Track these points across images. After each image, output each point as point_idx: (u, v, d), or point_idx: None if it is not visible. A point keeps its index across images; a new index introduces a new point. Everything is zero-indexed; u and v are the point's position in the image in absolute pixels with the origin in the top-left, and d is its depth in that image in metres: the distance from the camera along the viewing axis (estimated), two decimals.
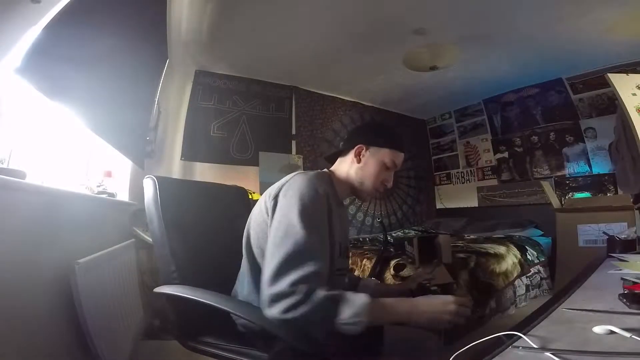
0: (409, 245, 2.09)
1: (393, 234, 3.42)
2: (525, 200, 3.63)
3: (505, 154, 3.90)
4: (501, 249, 2.43)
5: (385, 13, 2.27)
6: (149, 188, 0.94)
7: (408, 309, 0.73)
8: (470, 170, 4.23)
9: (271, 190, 0.85)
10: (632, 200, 2.45)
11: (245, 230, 0.89)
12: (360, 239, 3.12)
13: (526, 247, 2.68)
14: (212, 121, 3.00)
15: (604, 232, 1.56)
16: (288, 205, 0.77)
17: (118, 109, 1.68)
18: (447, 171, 4.48)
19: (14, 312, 0.88)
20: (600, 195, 3.08)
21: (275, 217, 0.77)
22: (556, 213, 2.78)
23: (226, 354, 0.83)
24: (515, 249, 2.55)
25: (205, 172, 2.88)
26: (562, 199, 3.23)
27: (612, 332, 0.51)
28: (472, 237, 3.18)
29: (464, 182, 4.30)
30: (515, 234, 3.08)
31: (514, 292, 2.34)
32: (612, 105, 2.89)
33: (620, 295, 0.69)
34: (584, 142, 3.25)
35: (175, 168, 2.76)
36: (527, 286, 2.47)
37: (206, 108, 2.99)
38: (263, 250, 0.82)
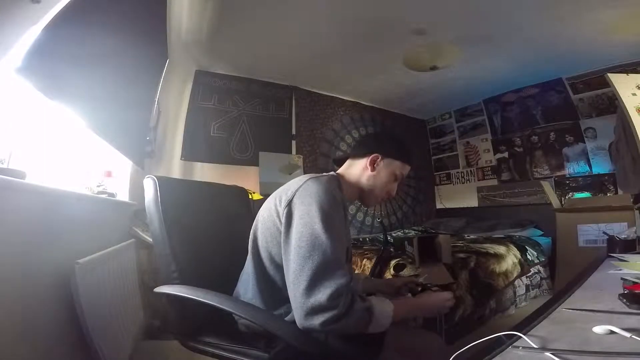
0: (409, 245, 2.09)
1: (393, 234, 3.42)
2: (525, 200, 3.63)
3: (505, 154, 3.90)
4: (501, 249, 2.43)
5: (385, 13, 2.26)
6: (149, 188, 0.94)
7: (418, 307, 0.88)
8: (470, 170, 4.23)
9: (282, 195, 0.83)
10: (632, 200, 2.45)
11: (251, 232, 0.89)
12: (360, 239, 3.12)
13: (526, 247, 2.68)
14: (212, 121, 3.00)
15: (604, 232, 1.56)
16: (309, 214, 0.76)
17: (118, 108, 1.68)
18: (447, 171, 4.48)
19: (14, 312, 0.88)
20: (600, 195, 3.08)
21: (294, 225, 0.76)
22: (556, 213, 2.78)
23: (226, 354, 0.83)
24: (515, 249, 2.55)
25: (205, 172, 2.88)
26: (562, 199, 3.23)
27: (612, 332, 0.51)
28: (472, 237, 3.18)
29: (464, 182, 4.30)
30: (515, 234, 3.08)
31: (514, 292, 2.34)
32: (612, 105, 2.89)
33: (620, 295, 0.69)
34: (584, 142, 3.25)
35: (175, 168, 2.76)
36: (527, 286, 2.47)
37: (206, 108, 2.99)
38: (271, 253, 0.83)
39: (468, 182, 4.25)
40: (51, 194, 1.13)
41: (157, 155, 2.55)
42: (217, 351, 0.84)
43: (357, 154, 0.98)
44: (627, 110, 2.18)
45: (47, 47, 1.11)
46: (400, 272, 1.87)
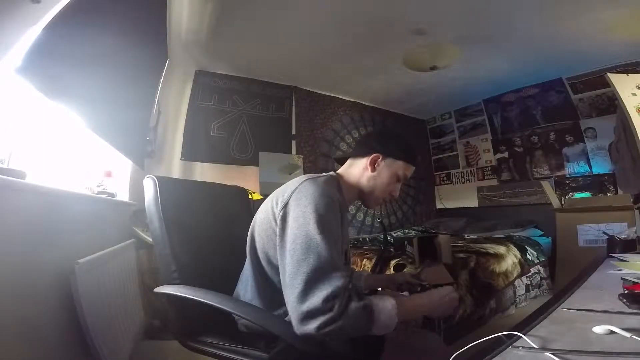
0: (409, 245, 2.09)
1: (393, 234, 3.42)
2: (525, 200, 3.63)
3: (505, 154, 3.90)
4: (501, 249, 2.43)
5: (385, 13, 2.27)
6: (149, 188, 0.94)
7: (425, 305, 0.82)
8: (470, 170, 4.23)
9: (278, 196, 0.82)
10: (632, 200, 2.45)
11: (249, 233, 0.88)
12: (360, 239, 3.12)
13: (526, 247, 2.68)
14: (212, 121, 3.00)
15: (604, 232, 1.56)
16: (304, 216, 0.74)
17: (118, 108, 1.68)
18: (447, 171, 4.48)
19: (14, 312, 0.88)
20: (600, 195, 3.08)
21: (289, 228, 0.74)
22: (556, 213, 2.78)
23: (226, 354, 0.83)
24: (515, 249, 2.55)
25: (205, 172, 2.88)
26: (562, 199, 3.23)
27: (612, 332, 0.51)
28: (472, 237, 3.19)
29: (464, 182, 4.30)
30: (515, 234, 3.08)
31: (514, 292, 2.34)
32: (612, 105, 2.89)
33: (620, 295, 0.69)
34: (584, 142, 3.26)
35: (175, 168, 2.76)
36: (527, 286, 2.47)
37: (206, 108, 2.99)
38: (268, 255, 0.82)
39: (468, 182, 4.25)
40: (51, 194, 1.13)
41: (157, 155, 2.55)
42: (217, 351, 0.84)
43: (358, 153, 0.96)
44: (627, 110, 2.18)
45: (47, 47, 1.11)
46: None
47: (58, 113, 1.46)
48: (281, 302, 0.82)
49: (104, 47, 1.42)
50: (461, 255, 2.18)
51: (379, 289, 1.17)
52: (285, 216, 0.76)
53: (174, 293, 0.82)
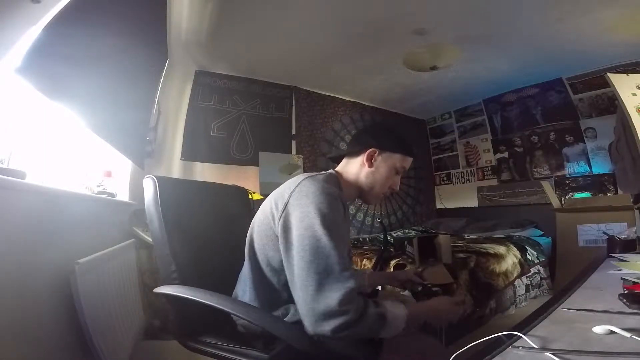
0: (409, 245, 2.09)
1: (393, 234, 3.42)
2: (525, 200, 3.63)
3: (505, 154, 3.90)
4: (501, 249, 2.43)
5: (385, 13, 2.26)
6: (149, 188, 0.94)
7: (431, 313, 0.86)
8: (470, 170, 4.23)
9: (277, 197, 0.81)
10: (632, 200, 2.45)
11: (248, 235, 0.88)
12: (360, 239, 3.12)
13: (526, 247, 2.68)
14: (212, 121, 3.00)
15: (604, 232, 1.56)
16: (308, 216, 0.73)
17: (118, 109, 1.68)
18: (447, 171, 4.48)
19: (14, 312, 0.88)
20: (600, 195, 3.08)
21: (293, 229, 0.74)
22: (556, 213, 2.78)
23: (226, 354, 0.83)
24: (515, 249, 2.55)
25: (205, 172, 2.88)
26: (562, 199, 3.23)
27: (612, 332, 0.51)
28: (472, 237, 3.19)
29: (464, 182, 4.30)
30: (515, 234, 3.08)
31: (514, 292, 2.34)
32: (612, 105, 2.89)
33: (620, 295, 0.69)
34: (584, 142, 3.26)
35: (175, 168, 2.76)
36: (527, 286, 2.47)
37: (206, 108, 2.98)
38: (267, 257, 0.82)
39: (468, 182, 4.25)
40: (51, 194, 1.13)
41: (157, 155, 2.55)
42: (216, 351, 0.84)
43: (353, 150, 0.94)
44: (627, 110, 2.18)
45: (47, 47, 1.11)
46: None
47: (58, 113, 1.46)
48: (279, 303, 0.82)
49: (104, 47, 1.42)
50: (461, 255, 2.18)
51: (380, 287, 1.17)
52: (288, 217, 0.75)
53: (174, 293, 0.82)
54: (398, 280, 1.14)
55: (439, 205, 4.51)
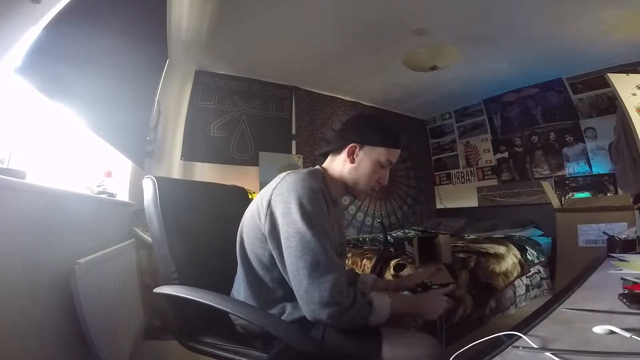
0: (409, 245, 2.09)
1: (393, 234, 3.42)
2: (525, 200, 3.63)
3: (505, 154, 3.90)
4: (501, 249, 2.43)
5: (385, 13, 2.26)
6: (148, 188, 0.94)
7: (415, 305, 0.89)
8: (470, 170, 4.23)
9: (263, 195, 0.82)
10: (632, 200, 2.45)
11: (238, 236, 0.88)
12: (360, 239, 3.12)
13: (526, 247, 2.68)
14: (212, 121, 3.00)
15: (604, 232, 1.56)
16: (290, 212, 0.74)
17: (118, 109, 1.68)
18: (447, 171, 4.48)
19: (14, 312, 0.88)
20: (600, 195, 3.08)
21: (279, 226, 0.75)
22: (556, 213, 2.78)
23: (226, 354, 0.83)
24: (515, 249, 2.55)
25: (205, 172, 2.88)
26: (562, 199, 3.23)
27: (612, 332, 0.51)
28: (472, 237, 3.18)
29: (464, 182, 4.30)
30: (515, 234, 3.08)
31: (514, 292, 2.34)
32: (612, 105, 2.89)
33: (620, 295, 0.69)
34: (584, 142, 3.25)
35: (175, 168, 2.76)
36: (527, 286, 2.47)
37: (206, 108, 2.99)
38: (257, 255, 0.83)
39: (468, 182, 4.25)
40: (51, 194, 1.13)
41: (157, 155, 2.55)
42: (216, 351, 0.84)
43: (336, 146, 0.92)
44: (627, 110, 2.18)
45: (47, 47, 1.11)
46: (400, 272, 1.87)
47: (58, 113, 1.45)
48: (274, 302, 0.82)
49: (104, 47, 1.42)
50: (461, 255, 2.18)
51: None
52: (272, 213, 0.77)
53: (173, 293, 0.82)
54: (405, 288, 1.13)
55: (439, 205, 4.51)
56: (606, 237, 1.35)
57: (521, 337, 0.53)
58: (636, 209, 2.37)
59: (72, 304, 1.09)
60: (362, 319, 0.75)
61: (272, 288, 0.83)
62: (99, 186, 1.80)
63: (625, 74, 2.45)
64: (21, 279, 0.93)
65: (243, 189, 1.32)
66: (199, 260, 0.96)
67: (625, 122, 2.31)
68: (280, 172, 0.89)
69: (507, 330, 0.55)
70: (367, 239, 3.11)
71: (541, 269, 2.69)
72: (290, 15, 2.26)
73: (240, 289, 0.87)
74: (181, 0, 2.08)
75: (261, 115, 3.27)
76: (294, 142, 3.42)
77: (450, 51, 2.66)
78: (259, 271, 0.84)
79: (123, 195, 2.03)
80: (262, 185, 2.97)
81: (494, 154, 3.99)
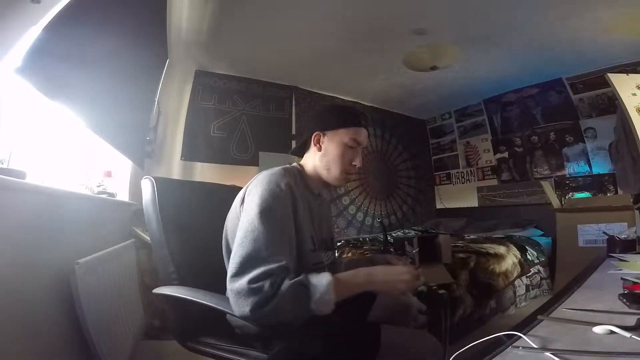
0: (409, 245, 2.09)
1: (393, 234, 3.42)
2: (525, 200, 3.63)
3: (505, 154, 3.90)
4: (501, 249, 2.43)
5: (385, 13, 2.26)
6: (146, 189, 0.94)
7: (366, 278, 0.76)
8: (470, 170, 4.23)
9: (240, 194, 0.85)
10: (632, 200, 2.45)
11: (223, 237, 0.88)
12: (360, 239, 3.12)
13: (526, 247, 2.68)
14: (212, 121, 3.00)
15: (604, 232, 1.56)
16: (250, 204, 0.77)
17: (118, 108, 1.68)
18: (447, 171, 4.48)
19: (14, 312, 0.88)
20: (600, 195, 3.08)
21: (241, 218, 0.78)
22: (556, 213, 2.78)
23: (225, 354, 0.83)
24: (515, 249, 2.55)
25: (205, 172, 2.88)
26: (562, 199, 3.23)
27: (612, 332, 0.51)
28: (472, 237, 3.18)
29: (464, 182, 4.30)
30: (515, 234, 3.08)
31: (514, 292, 2.34)
32: (612, 105, 2.89)
33: (620, 295, 0.69)
34: (584, 142, 3.25)
35: (175, 168, 2.76)
36: (527, 286, 2.47)
37: (206, 108, 2.99)
38: None
39: (468, 182, 4.25)
40: (51, 194, 1.13)
41: (157, 155, 2.55)
42: (216, 352, 0.84)
43: (304, 141, 0.97)
44: (627, 110, 2.18)
45: (47, 47, 1.11)
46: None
47: (58, 113, 1.46)
48: None
49: (104, 47, 1.42)
50: (461, 255, 2.18)
51: None
52: (244, 209, 0.80)
53: (173, 294, 0.82)
54: (375, 264, 1.11)
55: (439, 205, 4.51)
56: (606, 237, 1.35)
57: (521, 337, 0.53)
58: (636, 209, 2.37)
59: (72, 304, 1.09)
60: (300, 304, 0.67)
61: None
62: (99, 186, 1.81)
63: (625, 74, 2.45)
64: (21, 279, 0.93)
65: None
66: (198, 260, 0.95)
67: (625, 122, 2.31)
68: None
69: (507, 330, 0.55)
70: (367, 239, 3.11)
71: (541, 269, 2.69)
72: (290, 15, 2.26)
73: None
74: (181, 0, 2.08)
75: (261, 115, 3.27)
76: (294, 142, 3.42)
77: (450, 51, 2.66)
78: None
79: (123, 195, 2.03)
80: None
81: (494, 154, 3.99)
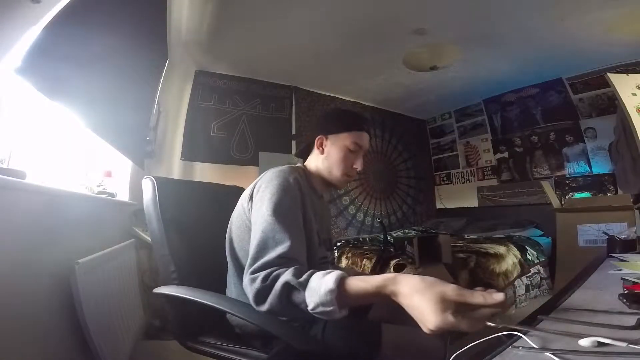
0: (409, 245, 2.09)
1: (393, 234, 3.42)
2: (525, 200, 3.63)
3: (505, 154, 3.90)
4: (501, 249, 2.43)
5: (385, 13, 2.26)
6: (147, 189, 0.94)
7: (381, 287, 0.56)
8: (470, 170, 4.23)
9: (247, 192, 0.87)
10: (632, 200, 2.45)
11: (227, 236, 0.89)
12: (360, 239, 3.12)
13: (526, 247, 2.68)
14: (212, 121, 3.00)
15: (604, 232, 1.56)
16: (261, 200, 0.79)
17: (118, 108, 1.68)
18: (447, 171, 4.48)
19: (14, 312, 0.88)
20: (600, 195, 3.08)
21: (252, 215, 0.80)
22: (556, 213, 2.78)
23: (225, 354, 0.83)
24: (515, 249, 2.55)
25: (205, 172, 2.88)
26: (562, 199, 3.23)
27: (600, 344, 0.48)
28: (472, 237, 3.18)
29: (464, 182, 4.30)
30: (515, 234, 3.08)
31: (514, 292, 2.34)
32: (612, 105, 2.89)
33: (620, 295, 0.69)
34: (584, 142, 3.25)
35: (175, 168, 2.76)
36: (527, 286, 2.47)
37: (206, 108, 2.99)
38: (247, 251, 0.83)
39: (468, 182, 4.25)
40: (51, 194, 1.13)
41: (157, 155, 2.55)
42: (216, 351, 0.84)
43: (309, 144, 1.00)
44: (627, 110, 2.18)
45: (47, 47, 1.11)
46: (401, 272, 1.87)
47: (58, 113, 1.46)
48: None
49: (104, 47, 1.42)
50: (461, 255, 2.18)
51: None
52: (252, 207, 0.81)
53: (173, 294, 0.82)
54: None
55: (439, 205, 4.51)
56: (606, 237, 1.35)
57: (521, 337, 0.53)
58: (636, 209, 2.37)
59: (72, 304, 1.09)
60: (291, 307, 0.61)
61: None
62: (99, 186, 1.81)
63: (625, 74, 2.45)
64: (21, 279, 0.93)
65: (243, 189, 1.31)
66: (199, 260, 0.96)
67: (625, 122, 2.31)
68: None
69: (507, 330, 0.55)
70: (367, 239, 3.11)
71: (541, 269, 2.69)
72: (290, 15, 2.26)
73: (231, 287, 0.88)
74: (181, 0, 2.08)
75: (261, 115, 3.27)
76: (294, 142, 3.42)
77: (450, 51, 2.66)
78: None
79: (123, 195, 2.03)
80: None
81: (494, 154, 3.99)
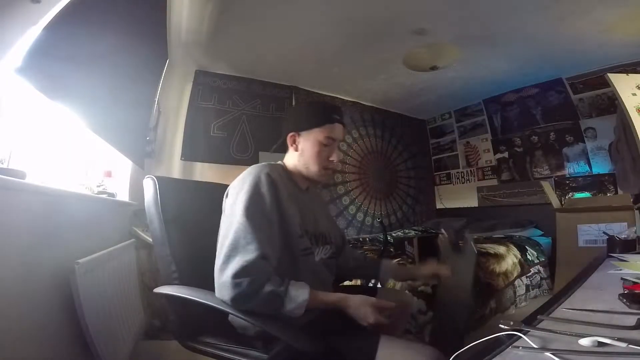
0: (409, 245, 2.09)
1: (393, 234, 3.42)
2: (525, 200, 3.63)
3: (505, 154, 3.89)
4: (501, 249, 2.43)
5: (385, 13, 2.26)
6: (148, 188, 0.94)
7: (336, 302, 0.80)
8: (470, 170, 4.23)
9: (227, 190, 0.88)
10: (632, 200, 2.45)
11: (219, 236, 0.88)
12: (360, 239, 3.12)
13: (526, 247, 2.68)
14: (212, 121, 3.00)
15: (604, 232, 1.56)
16: (233, 198, 0.81)
17: (118, 109, 1.68)
18: (447, 171, 4.48)
19: (13, 312, 0.88)
20: (600, 195, 3.08)
21: (225, 210, 0.82)
22: (556, 213, 2.78)
23: (226, 354, 0.83)
24: (515, 249, 2.55)
25: (205, 172, 2.88)
26: (562, 199, 3.23)
27: (600, 344, 0.49)
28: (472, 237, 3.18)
29: (464, 182, 4.30)
30: (515, 234, 3.08)
31: (514, 292, 2.34)
32: (612, 105, 2.89)
33: (620, 295, 0.69)
34: (584, 142, 3.25)
35: (175, 168, 2.76)
36: (527, 286, 2.47)
37: (206, 108, 2.99)
38: None
39: (468, 182, 4.25)
40: (51, 194, 1.13)
41: (157, 155, 2.55)
42: (216, 351, 0.84)
43: (280, 142, 1.00)
44: (627, 110, 2.18)
45: (47, 47, 1.11)
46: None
47: (58, 113, 1.46)
48: None
49: (104, 47, 1.42)
50: None
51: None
52: (227, 202, 0.83)
53: (173, 294, 0.82)
54: (424, 276, 1.16)
55: (439, 205, 4.51)
56: (606, 237, 1.35)
57: (521, 337, 0.53)
58: (636, 209, 2.37)
59: (72, 304, 1.09)
60: (272, 309, 0.74)
61: None
62: (99, 186, 1.81)
63: (625, 74, 2.45)
64: (21, 279, 0.93)
65: None
66: (200, 260, 0.95)
67: (625, 122, 2.31)
68: None
69: (507, 330, 0.55)
70: (367, 239, 3.11)
71: (541, 269, 2.69)
72: (290, 15, 2.26)
73: None
74: (181, 0, 2.08)
75: (261, 115, 3.27)
76: None
77: (450, 51, 2.66)
78: None
79: (123, 195, 2.03)
80: None
81: (494, 154, 3.99)
